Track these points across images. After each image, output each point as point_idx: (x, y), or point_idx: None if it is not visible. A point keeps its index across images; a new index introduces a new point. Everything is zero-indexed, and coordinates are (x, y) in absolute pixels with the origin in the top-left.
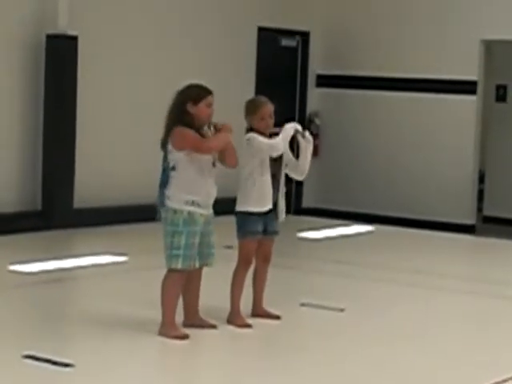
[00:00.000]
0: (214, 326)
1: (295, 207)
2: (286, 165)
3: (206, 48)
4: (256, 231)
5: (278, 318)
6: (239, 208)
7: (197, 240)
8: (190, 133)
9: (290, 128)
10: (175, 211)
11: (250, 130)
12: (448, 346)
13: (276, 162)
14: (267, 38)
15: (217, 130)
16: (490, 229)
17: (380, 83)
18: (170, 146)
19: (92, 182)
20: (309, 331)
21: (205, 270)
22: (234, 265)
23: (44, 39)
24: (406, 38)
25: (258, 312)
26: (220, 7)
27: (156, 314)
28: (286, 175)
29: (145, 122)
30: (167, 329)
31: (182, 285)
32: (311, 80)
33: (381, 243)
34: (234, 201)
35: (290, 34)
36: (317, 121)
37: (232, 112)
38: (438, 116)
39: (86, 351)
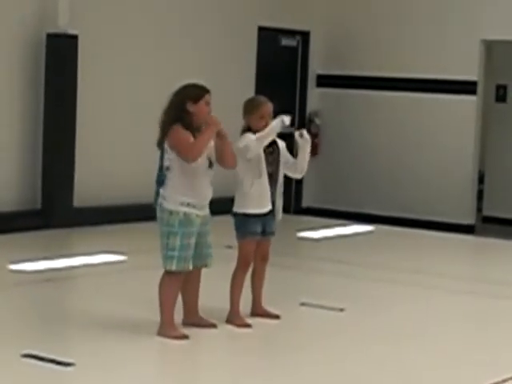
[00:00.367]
0: (213, 325)
1: (295, 207)
2: (285, 163)
3: (206, 47)
4: (255, 232)
5: (277, 317)
6: (237, 210)
7: (192, 241)
8: (182, 135)
9: (276, 124)
10: (171, 212)
11: (248, 129)
12: (448, 346)
13: (273, 162)
14: (267, 37)
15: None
16: (490, 229)
17: (380, 83)
18: (165, 145)
19: (92, 181)
20: (308, 331)
21: (204, 269)
22: (233, 265)
23: (44, 38)
24: (406, 38)
25: (258, 311)
26: (220, 7)
27: (155, 314)
28: (284, 174)
29: (144, 121)
30: (166, 329)
31: (179, 285)
32: (311, 80)
33: (380, 243)
34: (230, 200)
35: (290, 33)
36: (317, 120)
37: (232, 112)
38: (437, 116)
39: (85, 350)
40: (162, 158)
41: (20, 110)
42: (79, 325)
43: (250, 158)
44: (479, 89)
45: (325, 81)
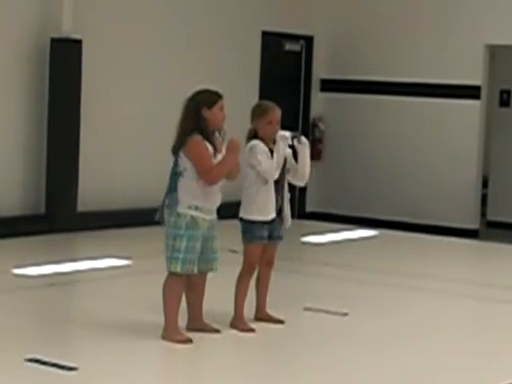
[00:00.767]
0: (217, 331)
1: (299, 211)
2: (289, 170)
3: (210, 52)
4: (262, 236)
5: (281, 322)
6: (243, 215)
7: (198, 244)
8: (205, 155)
9: (283, 144)
10: (179, 215)
11: (254, 136)
12: (452, 350)
13: (279, 170)
14: (271, 42)
15: (221, 134)
16: (494, 233)
17: (384, 88)
18: (181, 152)
19: (95, 186)
20: (312, 335)
21: (209, 274)
22: (238, 269)
23: (48, 43)
24: (409, 43)
25: (262, 316)
26: (224, 12)
27: (159, 318)
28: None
29: (149, 126)
30: (170, 333)
31: (183, 288)
32: (315, 84)
33: (384, 248)
34: (238, 205)
35: (294, 38)
36: (321, 125)
37: (236, 116)
38: (441, 121)
39: (89, 355)
40: (175, 163)
41: (24, 115)
42: (83, 329)
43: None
44: (483, 94)
45: (328, 85)
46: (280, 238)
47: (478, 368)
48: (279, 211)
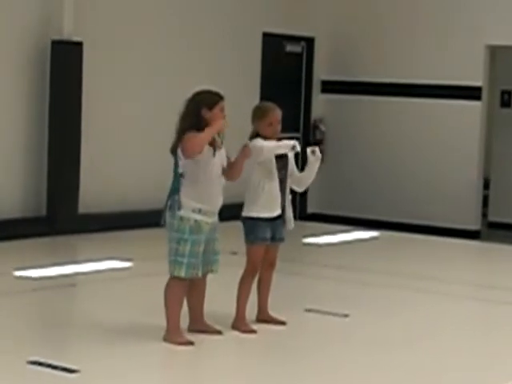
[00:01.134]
0: (219, 332)
1: (300, 213)
2: (290, 175)
3: (210, 54)
4: (265, 238)
5: (283, 323)
6: (247, 213)
7: (201, 248)
8: (194, 134)
9: (288, 144)
10: (182, 218)
11: (256, 135)
12: (454, 352)
13: (282, 168)
14: (272, 43)
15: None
16: (495, 234)
17: (385, 89)
18: (179, 152)
19: (97, 188)
20: (313, 337)
21: (210, 275)
22: (239, 271)
23: (49, 45)
24: (410, 44)
25: (264, 317)
26: (225, 13)
27: (161, 320)
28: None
29: (150, 128)
30: (172, 335)
31: (184, 291)
32: (316, 86)
33: (386, 249)
34: (238, 206)
35: (295, 39)
36: (321, 127)
37: (237, 118)
38: (442, 122)
39: (91, 357)
40: (176, 165)
41: (25, 117)
42: (84, 331)
43: (261, 160)
44: (484, 94)
45: (329, 87)
46: (282, 239)
47: (481, 369)
48: (282, 211)
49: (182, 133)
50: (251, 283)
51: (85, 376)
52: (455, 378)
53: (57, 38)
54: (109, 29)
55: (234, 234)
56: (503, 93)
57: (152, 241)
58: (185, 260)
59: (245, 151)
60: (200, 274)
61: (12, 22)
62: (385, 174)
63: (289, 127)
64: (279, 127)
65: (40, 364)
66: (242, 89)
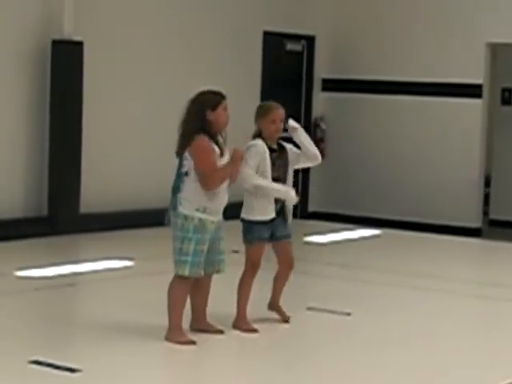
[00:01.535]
0: (220, 331)
1: (301, 212)
2: (297, 161)
3: (211, 53)
4: (262, 237)
5: (286, 321)
6: (244, 216)
7: (205, 247)
8: (208, 156)
9: (285, 190)
10: (186, 217)
11: (259, 134)
12: (455, 349)
13: (280, 166)
14: (272, 42)
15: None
16: (496, 232)
17: (385, 87)
18: (187, 153)
19: (98, 188)
20: (315, 335)
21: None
22: (239, 270)
23: (50, 44)
24: (411, 42)
25: (273, 308)
26: (225, 12)
27: (163, 320)
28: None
29: (151, 127)
30: (174, 334)
31: (188, 291)
32: (317, 84)
33: (387, 247)
34: (238, 205)
35: (296, 38)
36: (322, 125)
37: (238, 117)
38: (443, 119)
39: (92, 356)
40: (180, 165)
41: (26, 117)
42: (86, 331)
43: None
44: (484, 92)
45: (330, 85)
46: (285, 236)
47: (481, 367)
48: (280, 211)
49: (188, 135)
50: (251, 283)
51: (86, 375)
52: (455, 375)
53: (57, 37)
54: (109, 28)
55: (235, 232)
56: (504, 90)
57: (153, 240)
58: (189, 259)
59: (235, 157)
60: (203, 273)
61: (12, 21)
62: (386, 172)
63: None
64: (281, 126)
65: (41, 364)
66: (242, 88)
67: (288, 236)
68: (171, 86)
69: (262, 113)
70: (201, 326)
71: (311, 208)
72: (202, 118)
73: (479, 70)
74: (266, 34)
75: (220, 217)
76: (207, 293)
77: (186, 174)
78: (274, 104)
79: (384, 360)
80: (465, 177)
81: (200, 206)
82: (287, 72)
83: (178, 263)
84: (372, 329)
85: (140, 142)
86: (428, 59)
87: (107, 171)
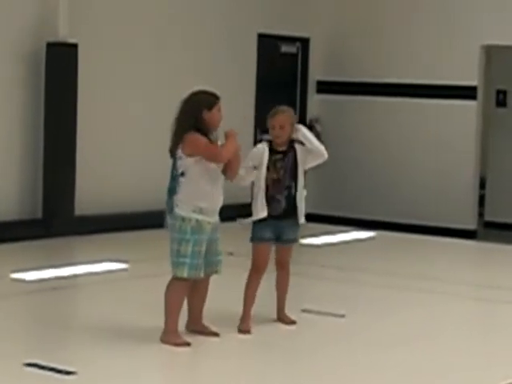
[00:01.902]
0: (216, 334)
1: None
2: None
3: (205, 55)
4: (261, 237)
5: (293, 322)
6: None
7: (203, 248)
8: (204, 140)
9: (305, 136)
10: (183, 219)
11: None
12: (453, 351)
13: (281, 168)
14: (267, 44)
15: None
16: (491, 234)
17: (380, 89)
18: (179, 152)
19: (93, 190)
20: (310, 337)
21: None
22: (235, 271)
23: (44, 47)
24: (406, 44)
25: (279, 316)
26: (219, 14)
27: (158, 322)
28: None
29: (146, 129)
30: (170, 336)
31: (186, 293)
32: (311, 86)
33: (382, 249)
34: (235, 207)
35: (290, 40)
36: (317, 127)
37: (233, 118)
38: (438, 121)
39: (88, 359)
40: (174, 165)
41: (20, 119)
42: (81, 333)
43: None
44: (479, 94)
45: (325, 87)
46: (290, 240)
47: (481, 368)
48: (285, 211)
49: (181, 133)
50: (256, 282)
51: (82, 378)
52: (452, 378)
53: (52, 39)
54: (104, 31)
55: (229, 234)
56: (499, 92)
57: (149, 242)
58: (187, 260)
59: (229, 133)
60: (202, 275)
61: (7, 24)
62: (381, 174)
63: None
64: (280, 132)
65: (37, 366)
66: (237, 89)
67: (293, 240)
68: (166, 87)
69: (268, 118)
70: (196, 327)
71: (307, 210)
72: (196, 116)
73: (474, 72)
74: (261, 36)
75: (216, 217)
76: (205, 294)
77: (182, 174)
78: (277, 109)
79: (379, 362)
80: (460, 178)
81: (196, 207)
82: (282, 74)
83: (176, 265)
84: (367, 331)
85: (135, 144)
86: (423, 61)
87: (102, 173)
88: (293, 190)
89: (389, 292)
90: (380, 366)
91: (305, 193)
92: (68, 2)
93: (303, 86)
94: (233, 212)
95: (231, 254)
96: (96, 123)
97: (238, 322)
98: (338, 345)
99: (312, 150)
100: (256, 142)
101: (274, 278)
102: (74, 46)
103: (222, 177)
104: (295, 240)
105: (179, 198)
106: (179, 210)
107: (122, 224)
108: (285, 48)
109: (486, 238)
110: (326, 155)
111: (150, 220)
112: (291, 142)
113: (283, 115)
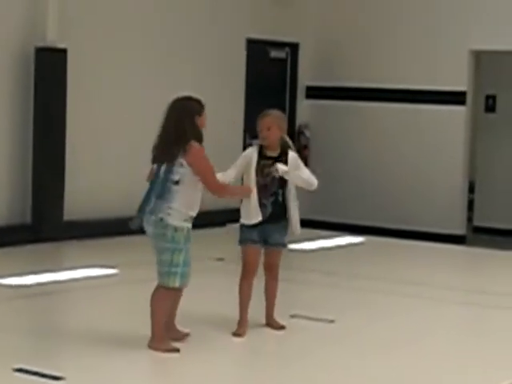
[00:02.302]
0: (188, 334)
1: None
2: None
3: (194, 60)
4: (247, 239)
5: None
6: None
7: (189, 256)
8: (211, 166)
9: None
10: (176, 229)
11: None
12: (439, 356)
13: (269, 174)
14: (256, 49)
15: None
16: (480, 239)
17: (369, 94)
18: (181, 160)
19: (82, 195)
20: (299, 343)
21: (199, 280)
22: (222, 276)
23: (33, 52)
24: (395, 50)
25: (268, 322)
26: (209, 19)
27: (147, 328)
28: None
29: (134, 135)
30: (159, 343)
31: (173, 300)
32: (301, 91)
33: (371, 254)
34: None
35: (280, 45)
36: (306, 132)
37: (221, 123)
38: (427, 126)
39: (76, 364)
40: (169, 171)
41: (9, 124)
42: (69, 339)
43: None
44: (468, 99)
45: (314, 92)
46: (278, 245)
47: (469, 373)
48: (272, 217)
49: (182, 141)
50: (246, 284)
51: (70, 383)
52: (442, 381)
53: (41, 44)
54: (94, 35)
55: (217, 240)
56: (488, 97)
57: (137, 247)
58: (179, 270)
59: (244, 190)
60: (187, 284)
61: None
62: (370, 180)
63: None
64: (267, 134)
65: (26, 372)
66: (226, 95)
67: (280, 244)
68: (155, 94)
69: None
70: (171, 334)
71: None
72: (192, 123)
73: (463, 78)
74: (250, 42)
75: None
76: (178, 302)
77: (177, 182)
78: (265, 112)
79: (370, 367)
80: (449, 183)
81: (188, 216)
82: (271, 79)
83: (167, 275)
84: (356, 336)
85: (124, 149)
86: (412, 66)
87: (91, 178)
88: (280, 197)
89: (378, 297)
90: (370, 371)
91: (297, 203)
92: (57, 7)
93: (292, 91)
94: (221, 217)
95: (221, 259)
96: (85, 128)
97: (228, 327)
98: (327, 350)
99: (304, 184)
100: (245, 147)
101: (263, 284)
102: (63, 51)
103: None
104: (283, 244)
105: (173, 206)
106: (172, 220)
107: (111, 229)
108: (274, 53)
109: (474, 243)
110: (315, 185)
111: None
112: (284, 148)
113: (270, 117)
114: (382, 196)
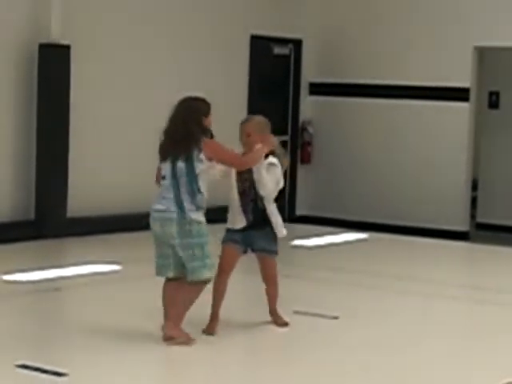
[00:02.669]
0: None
1: (289, 215)
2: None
3: (198, 57)
4: (228, 239)
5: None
6: None
7: None
8: (228, 147)
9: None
10: (199, 223)
11: None
12: (444, 353)
13: (247, 179)
14: (260, 46)
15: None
16: (483, 235)
17: (373, 91)
18: (199, 155)
19: (85, 191)
20: (301, 339)
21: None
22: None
23: (37, 48)
24: (398, 46)
25: (272, 317)
26: (212, 16)
27: (150, 324)
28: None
29: (138, 131)
30: (181, 333)
31: None
32: (304, 88)
33: (374, 251)
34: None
35: (283, 42)
36: (310, 129)
37: (225, 120)
38: (430, 123)
39: (79, 360)
40: (190, 166)
41: (13, 121)
42: (73, 335)
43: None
44: (472, 95)
45: (317, 89)
46: (265, 250)
47: (474, 369)
48: (253, 224)
49: (195, 139)
50: (219, 283)
51: (73, 380)
52: (446, 379)
53: (44, 41)
54: (97, 32)
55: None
56: (491, 94)
57: (140, 244)
58: (210, 261)
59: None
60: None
61: None
62: (373, 176)
63: (277, 130)
64: (246, 140)
65: (28, 368)
66: (230, 92)
67: (266, 250)
68: (159, 88)
69: None
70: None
71: (299, 212)
72: (200, 124)
73: (467, 74)
74: (254, 38)
75: None
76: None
77: (196, 177)
78: (245, 118)
79: (370, 364)
80: (452, 180)
81: (204, 209)
82: (274, 76)
83: (201, 269)
84: (359, 333)
85: (127, 146)
86: (416, 63)
87: (94, 175)
88: (259, 203)
89: (381, 294)
90: (371, 368)
91: (274, 205)
92: (60, 4)
93: (296, 88)
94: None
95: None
96: (88, 125)
97: (230, 325)
98: (331, 347)
99: (260, 182)
100: None
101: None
102: (67, 48)
103: None
104: (271, 251)
105: (198, 203)
106: (195, 215)
107: (115, 226)
108: (277, 50)
109: (477, 240)
110: (268, 192)
111: (143, 221)
112: (267, 155)
113: (249, 123)
114: (384, 192)
